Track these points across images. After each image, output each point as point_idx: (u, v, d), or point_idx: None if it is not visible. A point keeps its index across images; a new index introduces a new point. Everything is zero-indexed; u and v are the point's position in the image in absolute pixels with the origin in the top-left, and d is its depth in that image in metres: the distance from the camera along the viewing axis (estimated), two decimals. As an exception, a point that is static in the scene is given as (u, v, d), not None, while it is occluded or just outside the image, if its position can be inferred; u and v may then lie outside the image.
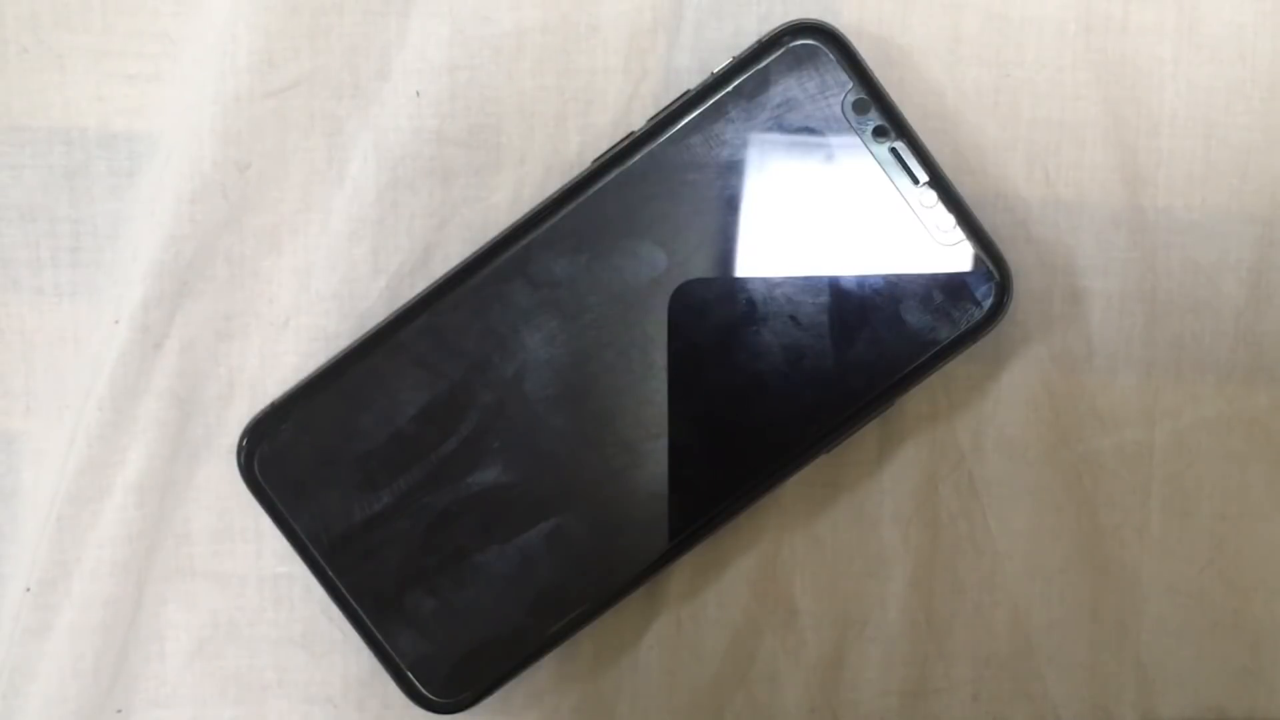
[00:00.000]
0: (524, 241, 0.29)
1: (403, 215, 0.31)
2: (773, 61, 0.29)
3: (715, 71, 0.29)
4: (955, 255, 0.29)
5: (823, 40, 0.29)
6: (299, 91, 0.30)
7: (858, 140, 0.29)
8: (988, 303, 0.29)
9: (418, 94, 0.30)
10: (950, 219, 0.29)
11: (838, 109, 0.29)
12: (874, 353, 0.29)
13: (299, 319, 0.31)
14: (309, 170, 0.31)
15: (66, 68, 0.30)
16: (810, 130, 0.29)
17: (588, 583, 0.30)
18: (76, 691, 0.31)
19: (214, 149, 0.30)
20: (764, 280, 0.29)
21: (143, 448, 0.31)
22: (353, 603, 0.30)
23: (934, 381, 0.30)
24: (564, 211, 0.29)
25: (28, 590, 0.31)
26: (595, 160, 0.29)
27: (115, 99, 0.31)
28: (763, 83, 0.29)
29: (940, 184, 0.29)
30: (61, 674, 0.31)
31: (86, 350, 0.31)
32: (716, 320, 0.29)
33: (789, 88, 0.29)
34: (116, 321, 0.30)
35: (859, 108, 0.29)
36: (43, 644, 0.31)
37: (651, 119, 0.29)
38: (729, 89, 0.29)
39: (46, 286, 0.31)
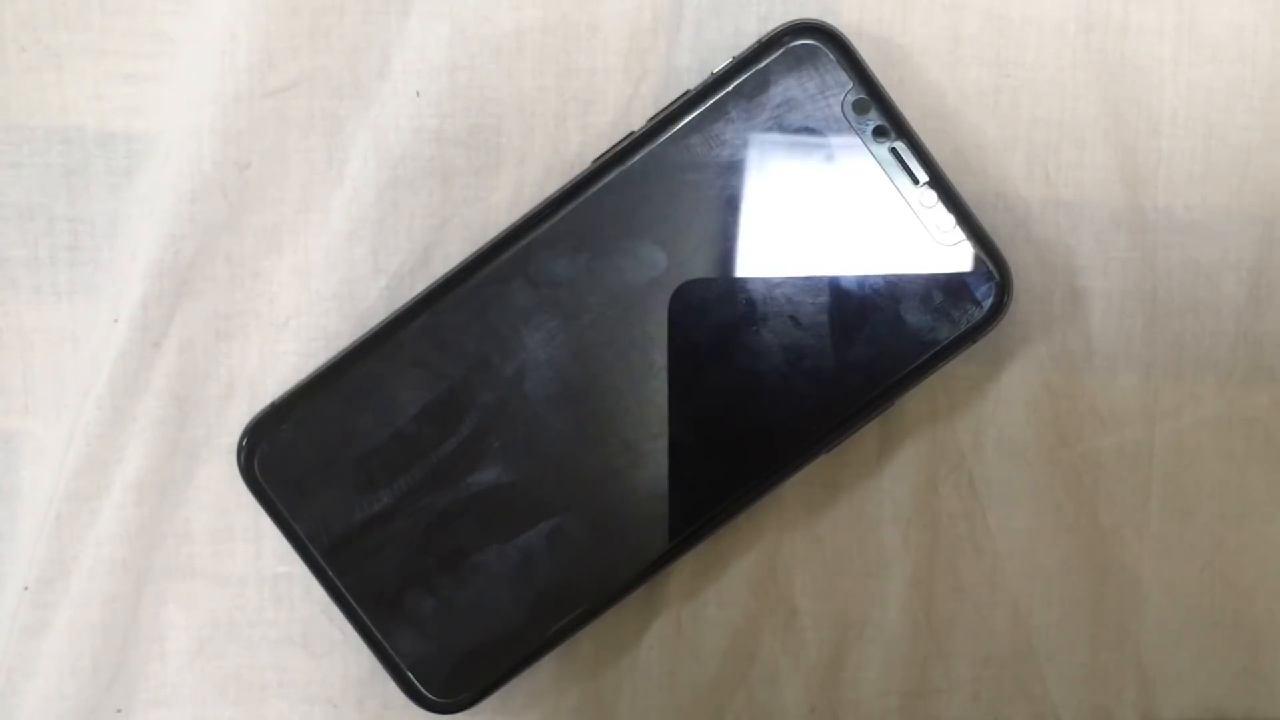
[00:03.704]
0: (524, 241, 0.29)
1: (403, 215, 0.31)
2: (773, 61, 0.29)
3: (715, 71, 0.29)
4: (955, 255, 0.29)
5: (823, 40, 0.29)
6: (299, 91, 0.30)
7: (858, 140, 0.29)
8: (988, 303, 0.29)
9: (418, 94, 0.30)
10: (950, 219, 0.29)
11: (838, 109, 0.29)
12: (874, 353, 0.29)
13: (299, 319, 0.31)
14: (309, 170, 0.31)
15: (64, 66, 0.30)
16: (810, 130, 0.29)
17: (588, 583, 0.30)
18: (75, 690, 0.31)
19: (213, 148, 0.30)
20: (764, 280, 0.29)
21: (141, 446, 0.31)
22: (353, 603, 0.30)
23: (934, 381, 0.30)
24: (564, 211, 0.29)
25: (25, 589, 0.31)
26: (595, 160, 0.29)
27: (113, 98, 0.31)
28: (763, 83, 0.29)
29: (940, 184, 0.29)
30: (60, 672, 0.31)
31: (85, 349, 0.31)
32: (716, 320, 0.29)
33: (789, 88, 0.29)
34: (116, 320, 0.30)
35: (859, 108, 0.29)
36: (41, 642, 0.31)
37: (651, 119, 0.29)
38: (729, 89, 0.29)
39: (45, 285, 0.31)
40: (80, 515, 0.31)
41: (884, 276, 0.29)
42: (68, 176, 0.31)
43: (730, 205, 0.29)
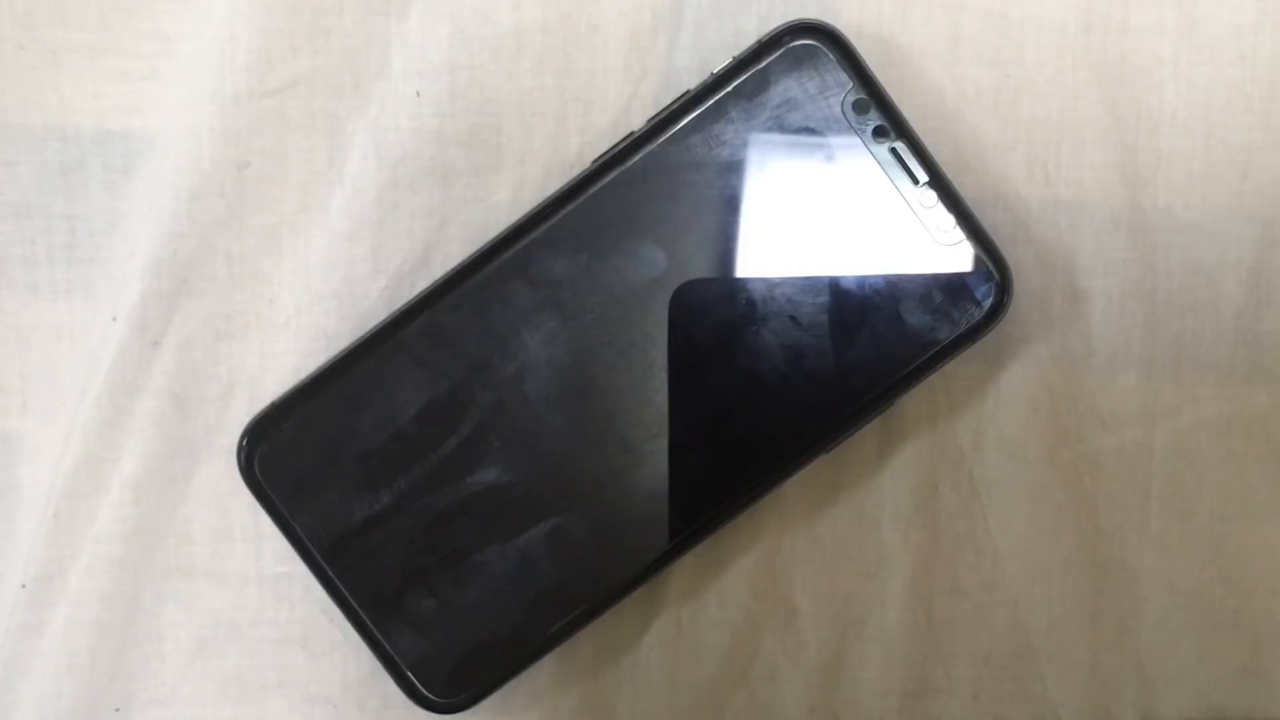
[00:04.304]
0: (524, 241, 0.29)
1: (403, 215, 0.31)
2: (773, 62, 0.29)
3: (715, 71, 0.29)
4: (955, 255, 0.29)
5: (823, 40, 0.29)
6: (298, 91, 0.30)
7: (858, 140, 0.29)
8: (988, 303, 0.29)
9: (418, 94, 0.30)
10: (950, 219, 0.29)
11: (838, 109, 0.29)
12: (874, 353, 0.29)
13: (299, 319, 0.31)
14: (309, 170, 0.31)
15: (62, 65, 0.30)
16: (810, 130, 0.29)
17: (588, 583, 0.30)
18: (72, 688, 0.31)
19: (212, 148, 0.30)
20: (764, 280, 0.29)
21: (139, 445, 0.31)
22: (353, 603, 0.30)
23: (934, 381, 0.30)
24: (564, 211, 0.29)
25: (23, 587, 0.31)
26: (595, 160, 0.29)
27: (111, 96, 0.30)
28: (763, 83, 0.29)
29: (940, 184, 0.29)
30: (57, 671, 0.31)
31: (83, 347, 0.31)
32: (716, 320, 0.29)
33: (789, 88, 0.29)
34: (114, 319, 0.30)
35: (859, 108, 0.29)
36: (38, 641, 0.31)
37: (651, 119, 0.29)
38: (729, 89, 0.29)
39: (42, 284, 0.31)
40: (78, 514, 0.31)
41: (884, 276, 0.29)
42: (65, 175, 0.31)
43: (730, 205, 0.29)
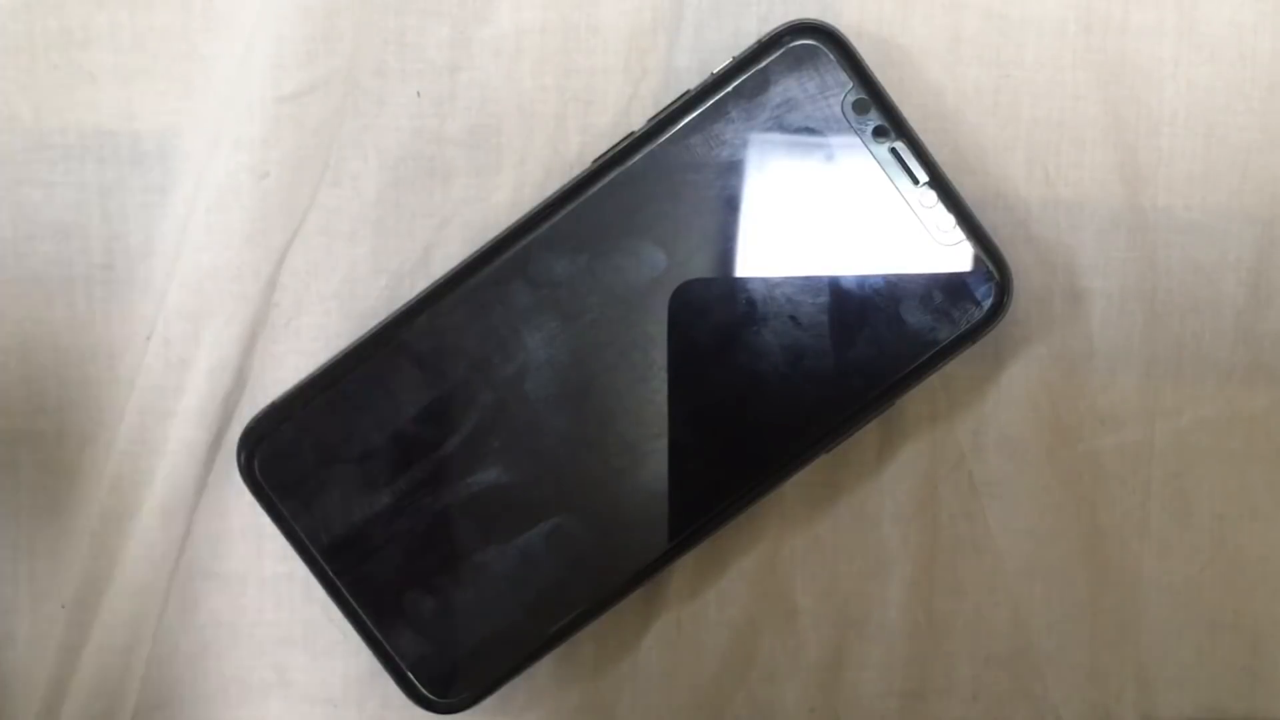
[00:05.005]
0: (524, 241, 0.29)
1: (403, 215, 0.31)
2: (773, 62, 0.29)
3: (715, 72, 0.29)
4: (955, 255, 0.29)
5: (823, 40, 0.29)
6: (315, 97, 0.30)
7: (858, 140, 0.29)
8: (988, 303, 0.29)
9: (418, 94, 0.30)
10: (950, 219, 0.29)
11: (838, 109, 0.29)
12: (874, 353, 0.29)
13: (299, 319, 0.31)
14: (310, 171, 0.31)
15: (98, 85, 0.30)
16: (810, 130, 0.29)
17: (588, 583, 0.30)
18: (102, 710, 0.31)
19: (235, 159, 0.30)
20: (764, 280, 0.29)
21: (168, 467, 0.31)
22: (353, 603, 0.30)
23: (934, 381, 0.30)
24: (564, 211, 0.29)
25: (62, 607, 0.31)
26: (595, 160, 0.29)
27: (147, 115, 0.30)
28: (763, 83, 0.29)
29: (940, 184, 0.29)
30: (89, 695, 0.31)
31: (120, 367, 0.31)
32: (716, 320, 0.29)
33: (789, 88, 0.29)
34: (147, 338, 0.30)
35: (859, 108, 0.29)
36: (75, 662, 0.31)
37: (651, 119, 0.29)
38: (729, 89, 0.29)
39: (80, 304, 0.31)
40: (111, 536, 0.31)
41: (884, 276, 0.29)
42: (103, 195, 0.31)
43: (730, 205, 0.29)
